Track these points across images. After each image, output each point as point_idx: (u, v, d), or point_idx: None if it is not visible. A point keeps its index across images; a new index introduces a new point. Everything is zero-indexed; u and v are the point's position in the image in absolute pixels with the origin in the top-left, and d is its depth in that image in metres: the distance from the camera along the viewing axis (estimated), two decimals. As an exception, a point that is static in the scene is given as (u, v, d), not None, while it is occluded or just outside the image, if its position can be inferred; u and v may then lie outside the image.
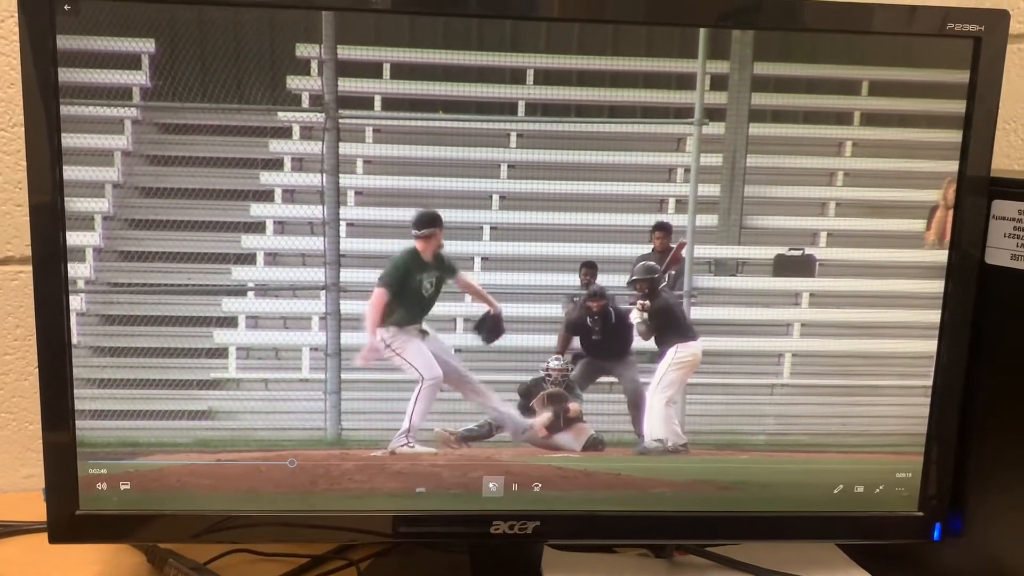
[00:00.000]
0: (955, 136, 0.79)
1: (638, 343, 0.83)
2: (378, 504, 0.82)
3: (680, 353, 0.83)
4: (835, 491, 0.85)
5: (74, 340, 0.77)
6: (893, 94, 0.79)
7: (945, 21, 0.77)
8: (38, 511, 0.82)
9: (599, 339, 0.82)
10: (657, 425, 0.83)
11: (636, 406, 0.83)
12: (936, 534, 0.86)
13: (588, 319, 0.81)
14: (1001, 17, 0.77)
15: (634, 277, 0.81)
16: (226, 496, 0.81)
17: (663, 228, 0.80)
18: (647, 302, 0.81)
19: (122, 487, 0.80)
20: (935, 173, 0.80)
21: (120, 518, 0.80)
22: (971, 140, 0.79)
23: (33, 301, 0.75)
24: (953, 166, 0.80)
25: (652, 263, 0.80)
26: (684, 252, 0.81)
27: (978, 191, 0.80)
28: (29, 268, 0.76)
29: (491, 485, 0.83)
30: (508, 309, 0.80)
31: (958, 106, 0.79)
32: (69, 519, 0.79)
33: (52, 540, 0.80)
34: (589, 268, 0.80)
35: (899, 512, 0.86)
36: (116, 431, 0.79)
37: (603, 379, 0.84)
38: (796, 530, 0.86)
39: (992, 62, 0.78)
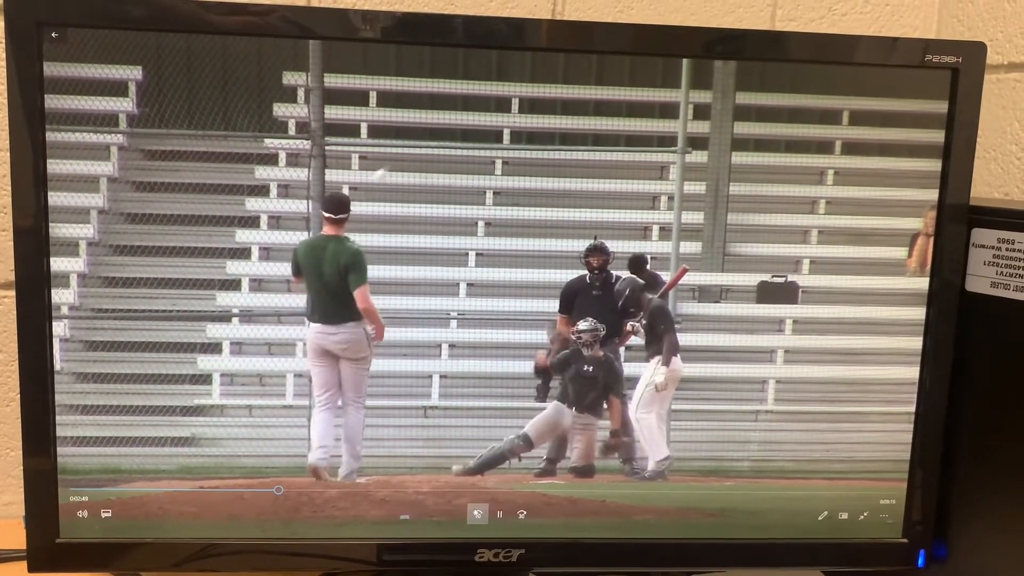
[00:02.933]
0: (935, 165, 0.80)
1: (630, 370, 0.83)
2: (362, 532, 0.81)
3: (661, 369, 0.83)
4: (820, 517, 0.85)
5: (57, 366, 0.76)
6: (873, 124, 0.80)
7: (924, 53, 0.78)
8: (18, 539, 0.81)
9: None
10: (660, 443, 0.84)
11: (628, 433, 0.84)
12: (920, 561, 0.86)
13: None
14: (978, 49, 0.79)
15: (625, 295, 0.81)
16: (209, 524, 0.80)
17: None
18: (639, 324, 0.82)
19: (103, 515, 0.79)
20: (916, 201, 0.81)
21: (101, 546, 0.79)
22: (951, 169, 0.80)
23: (16, 326, 0.75)
24: (933, 194, 0.81)
25: (632, 276, 0.81)
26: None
27: (958, 219, 0.81)
28: (12, 293, 0.76)
29: (476, 512, 0.83)
30: (494, 335, 0.80)
31: (937, 136, 0.80)
32: (49, 547, 0.78)
33: (31, 569, 0.79)
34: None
35: (883, 539, 0.86)
36: (98, 458, 0.79)
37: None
38: (781, 557, 0.86)
39: (970, 92, 0.79)
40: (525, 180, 0.78)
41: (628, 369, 0.83)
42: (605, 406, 0.83)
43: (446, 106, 0.76)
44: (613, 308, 0.82)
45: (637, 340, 0.83)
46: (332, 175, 0.77)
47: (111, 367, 0.78)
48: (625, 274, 0.81)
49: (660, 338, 0.82)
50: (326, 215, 0.77)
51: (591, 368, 0.82)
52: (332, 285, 0.78)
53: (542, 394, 0.82)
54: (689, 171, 0.80)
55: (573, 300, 0.81)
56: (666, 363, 0.82)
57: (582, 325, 0.81)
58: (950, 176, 0.80)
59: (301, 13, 0.75)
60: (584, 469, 0.84)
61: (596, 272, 0.80)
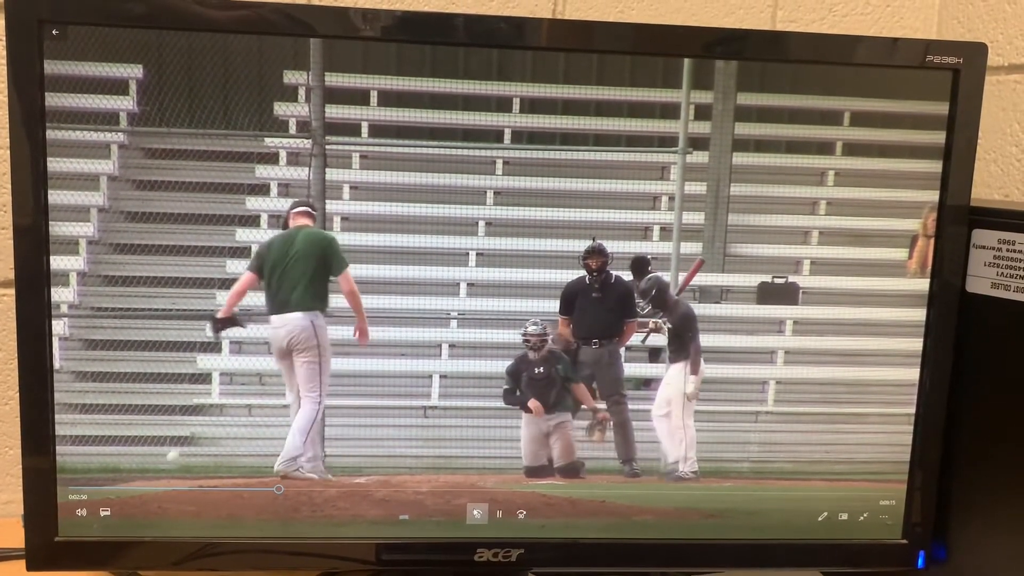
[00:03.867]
0: (935, 166, 0.80)
1: (632, 370, 0.83)
2: (361, 531, 0.81)
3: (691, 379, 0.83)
4: (819, 518, 0.85)
5: (56, 365, 0.76)
6: (874, 125, 0.80)
7: (925, 54, 0.78)
8: (16, 538, 0.81)
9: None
10: (692, 449, 0.84)
11: (626, 436, 0.83)
12: (920, 562, 0.86)
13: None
14: (979, 50, 0.78)
15: (652, 295, 0.81)
16: (208, 523, 0.80)
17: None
18: (661, 322, 0.82)
19: (102, 513, 0.79)
20: (916, 202, 0.81)
21: (100, 545, 0.79)
22: (951, 170, 0.80)
23: (15, 325, 0.75)
24: (934, 195, 0.81)
25: (658, 274, 0.81)
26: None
27: (958, 220, 0.81)
28: (12, 292, 0.76)
29: (475, 512, 0.83)
30: (493, 335, 0.80)
31: (938, 137, 0.80)
32: (48, 546, 0.78)
33: (30, 567, 0.79)
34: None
35: (883, 540, 0.86)
36: (97, 457, 0.78)
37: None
38: (780, 558, 0.86)
39: (971, 94, 0.79)
40: (526, 180, 0.78)
41: (629, 369, 0.83)
42: (571, 401, 0.83)
43: (447, 105, 0.76)
44: (612, 308, 0.82)
45: (636, 339, 0.83)
46: (332, 174, 0.77)
47: (110, 366, 0.78)
48: (628, 276, 0.81)
49: (687, 344, 0.82)
50: (305, 209, 0.76)
51: (541, 369, 0.82)
52: (299, 273, 0.78)
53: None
54: (690, 171, 0.80)
55: (573, 301, 0.81)
56: (694, 371, 0.82)
57: (531, 328, 0.81)
58: (951, 177, 0.80)
59: (302, 11, 0.75)
60: (568, 468, 0.83)
61: (595, 274, 0.80)
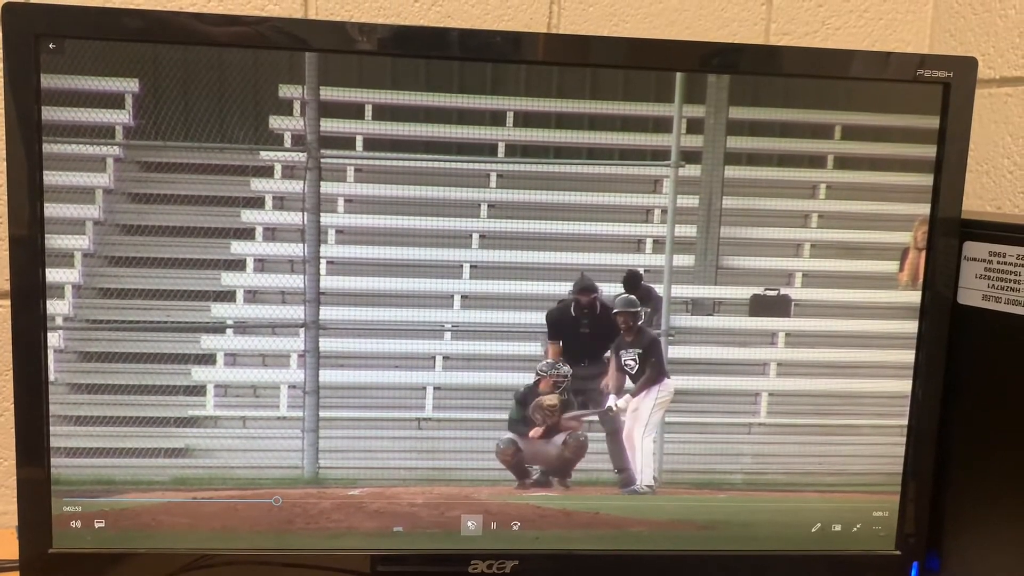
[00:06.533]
0: (927, 179, 0.81)
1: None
2: (355, 543, 0.81)
3: (662, 393, 0.83)
4: (813, 530, 0.85)
5: (51, 376, 0.76)
6: (866, 138, 0.81)
7: (916, 68, 0.79)
8: (10, 549, 0.81)
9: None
10: (648, 466, 0.84)
11: (619, 446, 0.84)
12: (913, 573, 0.86)
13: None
14: (970, 64, 0.79)
15: (616, 310, 0.81)
16: (202, 535, 0.80)
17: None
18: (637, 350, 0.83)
19: (96, 525, 0.79)
20: (908, 215, 0.82)
21: (94, 557, 0.79)
22: (942, 183, 0.81)
23: (11, 336, 0.75)
24: (925, 208, 0.81)
25: (633, 297, 0.81)
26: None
27: (950, 233, 0.81)
28: (7, 303, 0.76)
29: (469, 524, 0.83)
30: (488, 347, 0.81)
31: (929, 150, 0.80)
32: (42, 557, 0.78)
33: (24, 579, 0.79)
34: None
35: (876, 551, 0.86)
36: (92, 469, 0.79)
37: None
38: (774, 569, 0.86)
39: (961, 107, 0.80)
40: (519, 193, 0.79)
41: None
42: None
43: (441, 119, 0.77)
44: (604, 335, 0.82)
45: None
46: (327, 187, 0.77)
47: (105, 378, 0.78)
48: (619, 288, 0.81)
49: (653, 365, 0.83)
50: None
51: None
52: None
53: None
54: (682, 184, 0.80)
55: (559, 329, 0.81)
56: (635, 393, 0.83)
57: (563, 370, 0.81)
58: (942, 190, 0.81)
59: (297, 26, 0.75)
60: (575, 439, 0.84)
61: (586, 311, 0.81)
